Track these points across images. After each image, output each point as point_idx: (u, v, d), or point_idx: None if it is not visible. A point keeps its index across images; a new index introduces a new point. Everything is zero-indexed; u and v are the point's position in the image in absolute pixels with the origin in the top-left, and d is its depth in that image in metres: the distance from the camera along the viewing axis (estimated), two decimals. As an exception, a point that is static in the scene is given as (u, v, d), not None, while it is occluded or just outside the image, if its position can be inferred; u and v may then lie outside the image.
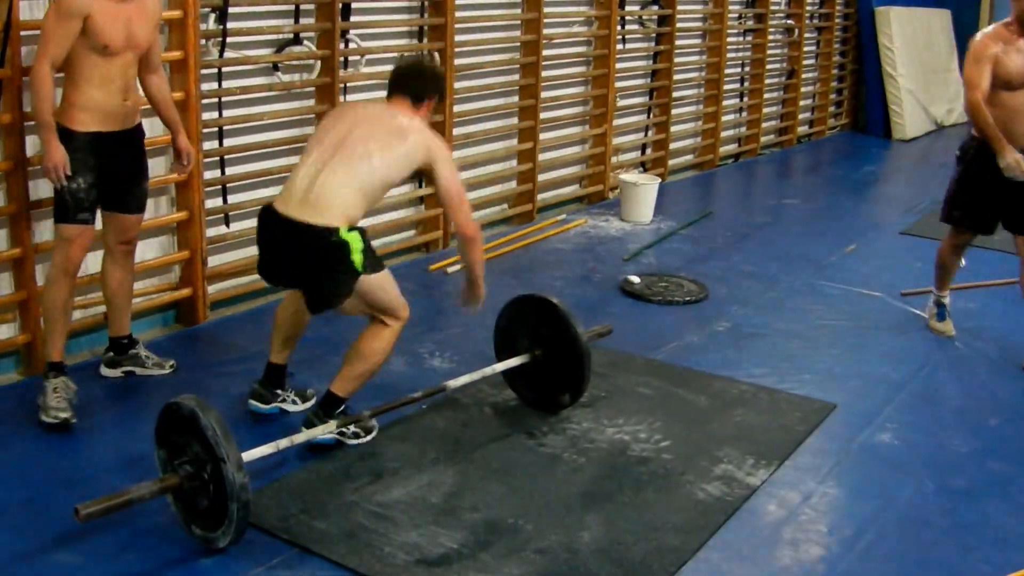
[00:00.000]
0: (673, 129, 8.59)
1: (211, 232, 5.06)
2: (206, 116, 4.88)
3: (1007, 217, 4.90)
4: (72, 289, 3.98)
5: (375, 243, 3.79)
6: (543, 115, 7.04)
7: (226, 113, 5.06)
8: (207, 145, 4.93)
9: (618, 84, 7.75)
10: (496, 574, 3.05)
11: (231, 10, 4.90)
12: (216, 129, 5.01)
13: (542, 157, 7.13)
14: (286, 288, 4.00)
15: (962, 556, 3.28)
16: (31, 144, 4.12)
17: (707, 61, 8.99)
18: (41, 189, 4.18)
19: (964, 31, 12.08)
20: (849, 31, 11.29)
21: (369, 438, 3.79)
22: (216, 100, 4.99)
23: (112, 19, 3.73)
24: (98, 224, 4.02)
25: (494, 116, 6.80)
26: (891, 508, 3.54)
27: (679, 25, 8.34)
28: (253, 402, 3.96)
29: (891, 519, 3.47)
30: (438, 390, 3.93)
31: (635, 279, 5.79)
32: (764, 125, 10.06)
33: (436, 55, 5.84)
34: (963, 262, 6.39)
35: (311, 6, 5.35)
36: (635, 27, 8.03)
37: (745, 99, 9.78)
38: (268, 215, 3.64)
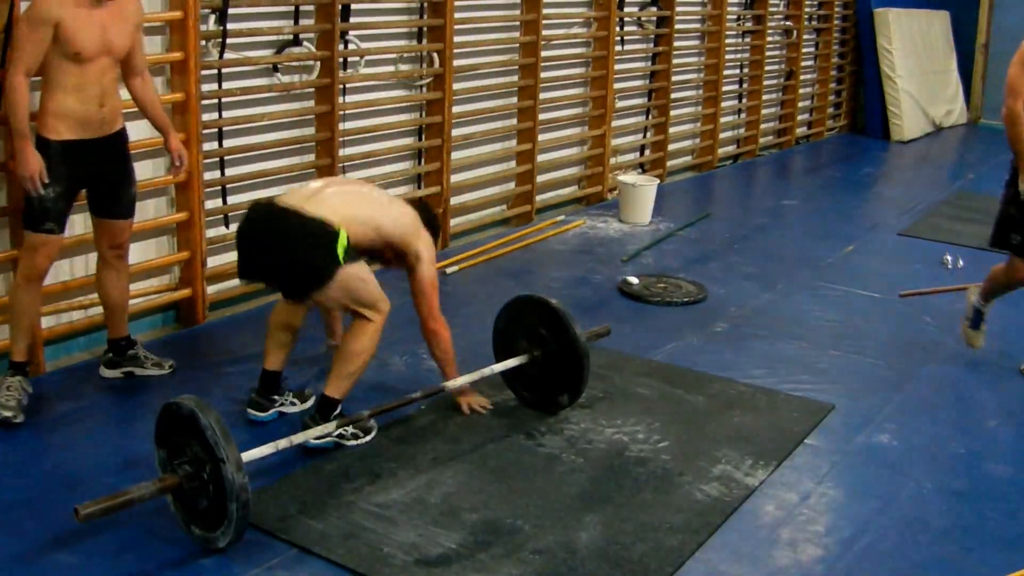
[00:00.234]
0: (672, 130, 8.60)
1: (211, 233, 5.07)
2: (206, 117, 4.89)
3: None
4: (38, 294, 3.96)
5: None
6: (542, 116, 7.05)
7: (226, 114, 5.07)
8: (207, 146, 4.93)
9: (617, 85, 7.76)
10: (495, 574, 3.05)
11: (231, 11, 4.91)
12: (216, 130, 5.02)
13: (541, 158, 7.14)
14: (264, 282, 3.99)
15: (960, 557, 3.29)
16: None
17: (706, 62, 9.00)
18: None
19: (963, 32, 12.15)
20: (848, 32, 11.30)
21: (368, 439, 3.80)
22: (216, 101, 4.99)
23: (85, 25, 3.66)
24: (83, 229, 3.98)
25: (493, 117, 6.80)
26: (889, 509, 3.55)
27: (678, 26, 8.35)
28: (251, 411, 3.96)
29: (889, 520, 3.47)
30: (437, 391, 3.94)
31: (634, 280, 5.79)
32: (763, 126, 10.07)
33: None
34: (961, 262, 6.41)
35: (311, 7, 5.36)
36: (634, 28, 8.04)
37: (744, 100, 9.80)
38: (261, 206, 3.74)
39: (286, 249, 3.62)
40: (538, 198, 7.18)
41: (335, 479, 3.54)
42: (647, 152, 8.48)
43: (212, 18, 4.89)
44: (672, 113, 8.53)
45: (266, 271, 3.75)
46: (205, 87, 4.85)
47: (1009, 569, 3.19)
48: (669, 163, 8.66)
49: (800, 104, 10.67)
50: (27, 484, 3.47)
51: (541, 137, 7.09)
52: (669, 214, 7.44)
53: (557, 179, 7.47)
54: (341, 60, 5.54)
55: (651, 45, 8.27)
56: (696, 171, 9.18)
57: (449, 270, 5.84)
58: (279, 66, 5.30)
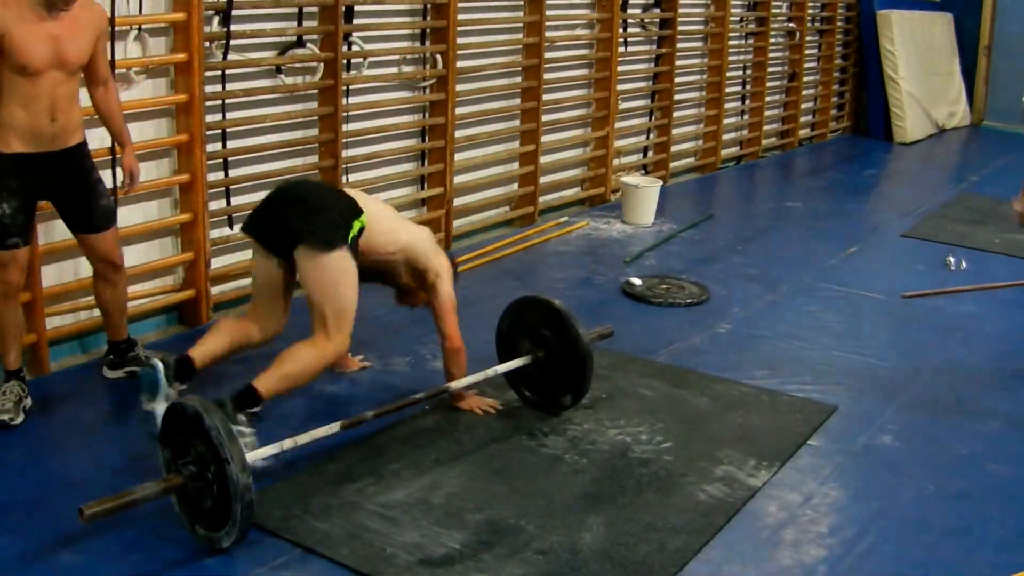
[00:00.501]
0: (675, 132, 8.60)
1: (214, 234, 5.08)
2: (210, 118, 4.90)
3: None
4: (18, 306, 3.91)
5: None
6: (545, 118, 7.05)
7: (230, 115, 5.08)
8: (211, 147, 4.94)
9: (620, 87, 7.76)
10: (498, 575, 3.06)
11: (234, 13, 4.92)
12: (220, 131, 5.03)
13: (544, 160, 7.15)
14: (268, 237, 3.79)
15: (963, 558, 3.29)
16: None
17: (709, 64, 9.00)
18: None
19: (966, 34, 12.14)
20: (851, 34, 11.30)
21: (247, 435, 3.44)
22: (220, 102, 5.00)
23: (34, 37, 3.53)
24: (61, 237, 3.94)
25: (496, 119, 6.81)
26: (892, 510, 3.55)
27: (681, 28, 8.36)
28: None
29: (892, 521, 3.48)
30: (441, 391, 3.94)
31: (636, 281, 5.80)
32: (766, 128, 10.07)
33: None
34: (964, 264, 6.42)
35: (314, 9, 5.37)
36: (637, 30, 8.05)
37: (747, 102, 9.79)
38: (286, 183, 3.94)
39: (311, 201, 3.67)
40: (541, 199, 7.19)
41: (339, 479, 3.55)
42: (650, 153, 8.49)
43: (216, 19, 4.90)
44: (675, 115, 8.53)
45: (280, 220, 3.70)
46: (209, 88, 4.86)
47: (1011, 570, 3.19)
48: (672, 164, 8.66)
49: (803, 106, 10.67)
50: (32, 484, 3.48)
51: (544, 138, 7.10)
52: (672, 215, 7.45)
53: (560, 180, 7.48)
54: (344, 61, 5.55)
55: (654, 47, 8.27)
56: (699, 172, 9.18)
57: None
58: (283, 67, 5.31)
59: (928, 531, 3.43)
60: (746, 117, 9.83)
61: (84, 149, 3.90)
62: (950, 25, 12.03)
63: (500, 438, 3.93)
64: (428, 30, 6.11)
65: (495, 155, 6.83)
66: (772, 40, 9.83)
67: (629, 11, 7.76)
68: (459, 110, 6.34)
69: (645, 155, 8.46)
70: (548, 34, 6.91)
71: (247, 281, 5.24)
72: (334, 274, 3.62)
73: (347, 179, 5.68)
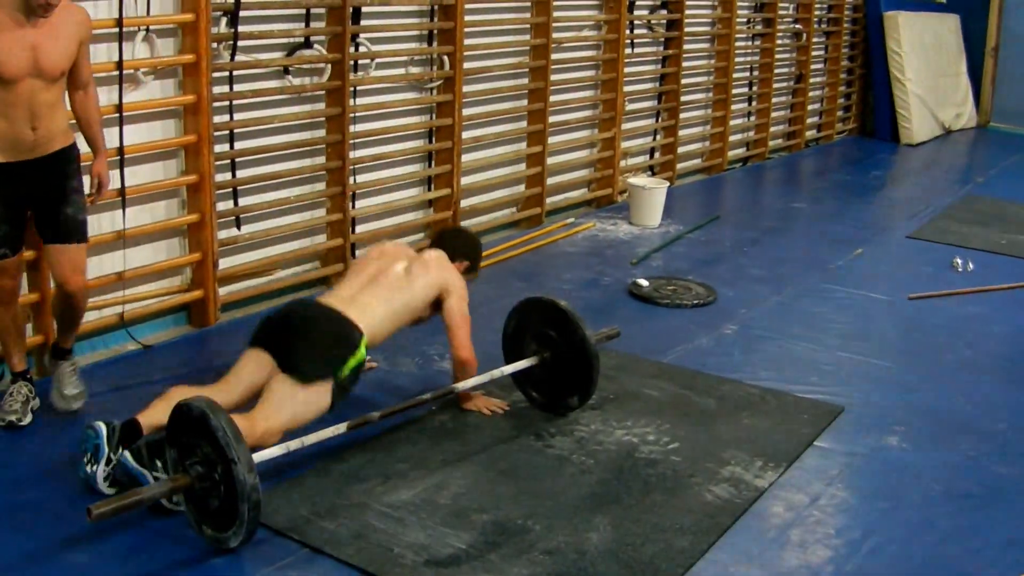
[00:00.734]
0: (681, 133, 8.61)
1: (222, 234, 5.09)
2: (217, 119, 4.91)
3: None
4: (15, 311, 3.89)
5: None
6: (552, 119, 7.07)
7: (237, 116, 5.09)
8: (218, 148, 4.95)
9: (627, 88, 7.77)
10: (504, 575, 3.06)
11: (242, 14, 4.93)
12: (227, 132, 5.04)
13: (551, 161, 7.15)
14: (273, 347, 3.68)
15: (969, 559, 3.28)
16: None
17: (716, 65, 9.00)
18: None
19: (972, 36, 12.13)
20: (857, 36, 11.29)
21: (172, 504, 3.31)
22: (227, 103, 5.01)
23: (11, 45, 3.44)
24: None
25: (503, 120, 6.82)
26: (899, 511, 3.55)
27: (688, 30, 8.36)
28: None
29: (898, 522, 3.48)
30: (447, 392, 3.95)
31: (643, 282, 5.80)
32: (772, 129, 10.07)
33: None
34: (971, 265, 6.41)
35: (322, 10, 5.38)
36: (644, 31, 8.05)
37: (753, 103, 9.79)
38: (297, 302, 3.97)
39: (310, 332, 3.64)
40: (548, 200, 7.19)
41: (346, 480, 3.56)
42: (657, 155, 8.49)
43: (224, 20, 4.92)
44: (682, 116, 8.54)
45: (280, 339, 3.66)
46: (216, 89, 4.87)
47: (1018, 570, 3.19)
48: (679, 166, 8.66)
49: (809, 107, 10.66)
50: (39, 484, 3.49)
51: (551, 140, 7.11)
52: (679, 216, 7.45)
53: (567, 181, 7.48)
54: (352, 63, 5.55)
55: (661, 48, 8.27)
56: (706, 174, 9.18)
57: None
58: (290, 68, 5.32)
59: (935, 532, 3.43)
60: (753, 118, 9.83)
61: (68, 154, 3.79)
62: (957, 26, 12.01)
63: (507, 439, 3.94)
64: (435, 31, 6.12)
65: (502, 156, 6.84)
66: (779, 41, 9.82)
67: (636, 13, 7.76)
68: (466, 111, 6.35)
69: (652, 156, 8.46)
70: (555, 35, 6.92)
71: (255, 281, 5.27)
72: (306, 399, 3.53)
73: (354, 180, 5.69)
